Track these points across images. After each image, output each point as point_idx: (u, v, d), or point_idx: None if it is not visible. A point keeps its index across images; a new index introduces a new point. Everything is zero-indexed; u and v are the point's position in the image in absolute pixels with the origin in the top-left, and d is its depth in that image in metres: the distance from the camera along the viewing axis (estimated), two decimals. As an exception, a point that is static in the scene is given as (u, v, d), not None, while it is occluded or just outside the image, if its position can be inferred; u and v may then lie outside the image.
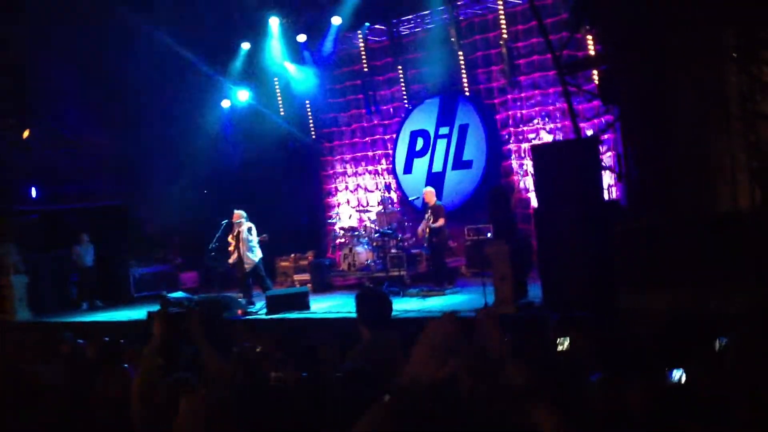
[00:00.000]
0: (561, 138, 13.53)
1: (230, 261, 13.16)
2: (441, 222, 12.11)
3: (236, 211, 13.01)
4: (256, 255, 12.90)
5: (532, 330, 6.65)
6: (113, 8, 14.19)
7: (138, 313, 12.73)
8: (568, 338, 4.35)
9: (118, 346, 6.13)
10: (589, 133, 12.43)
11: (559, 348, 4.33)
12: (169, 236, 17.04)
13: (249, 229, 12.87)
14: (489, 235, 12.30)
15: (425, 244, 12.64)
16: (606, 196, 11.05)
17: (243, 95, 16.71)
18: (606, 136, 11.79)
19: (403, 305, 10.78)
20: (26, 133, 14.95)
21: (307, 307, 11.75)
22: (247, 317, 12.06)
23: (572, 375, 3.56)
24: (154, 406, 4.24)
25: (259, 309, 12.27)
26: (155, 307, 12.95)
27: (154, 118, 16.68)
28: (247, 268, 12.85)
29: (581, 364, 3.76)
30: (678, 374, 2.91)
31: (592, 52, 11.61)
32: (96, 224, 16.24)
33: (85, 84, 15.86)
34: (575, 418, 3.10)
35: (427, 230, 12.20)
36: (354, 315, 4.81)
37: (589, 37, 11.76)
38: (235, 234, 13.19)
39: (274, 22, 15.82)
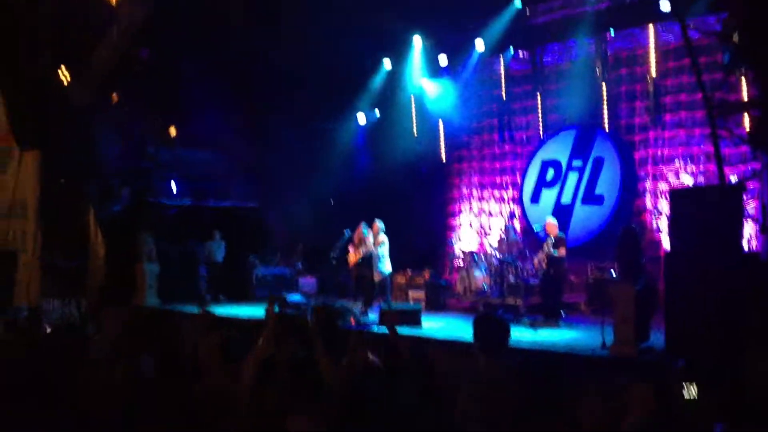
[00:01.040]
0: (702, 182, 12.91)
1: (351, 265, 13.43)
2: (561, 252, 11.79)
3: (376, 221, 13.29)
4: (386, 268, 13.10)
5: (653, 375, 6.36)
6: (259, 18, 14.81)
7: (256, 311, 13.13)
8: (695, 385, 4.14)
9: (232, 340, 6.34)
10: (733, 179, 11.79)
11: (686, 394, 4.13)
12: (293, 241, 17.53)
13: (381, 244, 13.08)
14: (613, 273, 11.87)
15: (541, 275, 12.34)
16: (746, 248, 10.43)
17: (361, 118, 17.05)
18: (752, 186, 11.14)
19: (516, 334, 10.54)
20: (173, 131, 15.84)
21: (419, 323, 11.74)
22: (360, 328, 12.18)
23: (696, 424, 3.39)
24: (264, 402, 4.33)
25: (372, 321, 12.38)
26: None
27: (290, 127, 17.28)
28: (376, 279, 13.06)
29: (706, 414, 3.56)
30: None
31: (745, 97, 11.04)
32: (229, 223, 16.97)
33: (228, 90, 16.68)
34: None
35: (545, 260, 11.92)
36: (466, 339, 4.76)
37: (744, 80, 11.22)
38: (357, 243, 13.44)
39: (417, 41, 16.04)
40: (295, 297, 14.41)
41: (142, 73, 15.77)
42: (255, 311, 13.14)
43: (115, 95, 15.51)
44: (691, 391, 4.18)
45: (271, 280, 16.88)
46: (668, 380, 4.37)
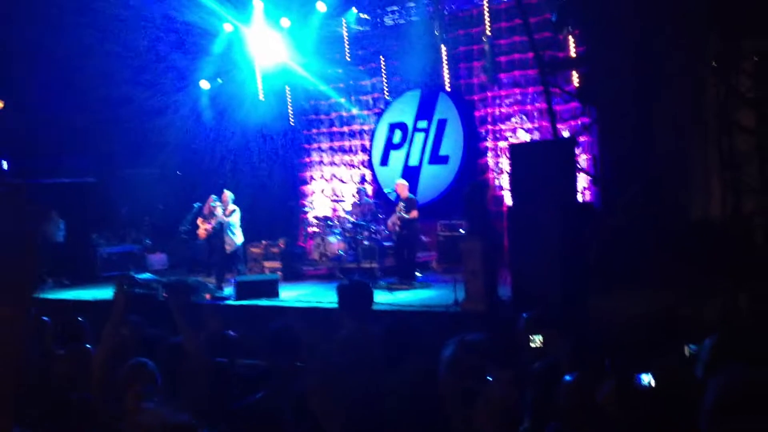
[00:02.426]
0: (538, 138, 13.55)
1: (201, 237, 13.13)
2: (413, 214, 12.07)
3: (226, 191, 13.04)
4: (238, 238, 12.92)
5: (502, 328, 6.66)
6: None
7: (102, 293, 12.55)
8: (540, 336, 4.34)
9: (78, 324, 6.02)
10: (566, 134, 12.46)
11: (532, 345, 4.33)
12: (139, 217, 16.81)
13: (232, 212, 12.85)
14: (462, 231, 12.30)
15: (395, 237, 12.58)
16: (580, 199, 11.09)
17: (204, 84, 16.60)
18: (582, 139, 11.83)
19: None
20: (0, 104, 14.62)
21: (276, 294, 11.67)
22: (215, 302, 11.94)
23: (547, 374, 3.55)
24: (113, 385, 4.17)
25: (228, 295, 12.16)
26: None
27: (130, 95, 16.42)
28: (228, 250, 12.83)
29: (555, 363, 3.75)
30: (647, 378, 2.91)
31: (573, 54, 11.63)
32: (67, 201, 15.93)
33: (62, 57, 15.60)
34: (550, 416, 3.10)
35: (398, 222, 12.15)
36: (323, 305, 4.81)
37: (572, 38, 11.80)
38: (204, 217, 13.14)
39: (258, 5, 15.65)
40: (144, 275, 13.87)
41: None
42: (102, 293, 12.57)
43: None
44: (537, 342, 4.38)
45: (117, 259, 16.11)
46: (516, 332, 4.55)
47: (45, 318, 6.72)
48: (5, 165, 15.67)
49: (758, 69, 8.53)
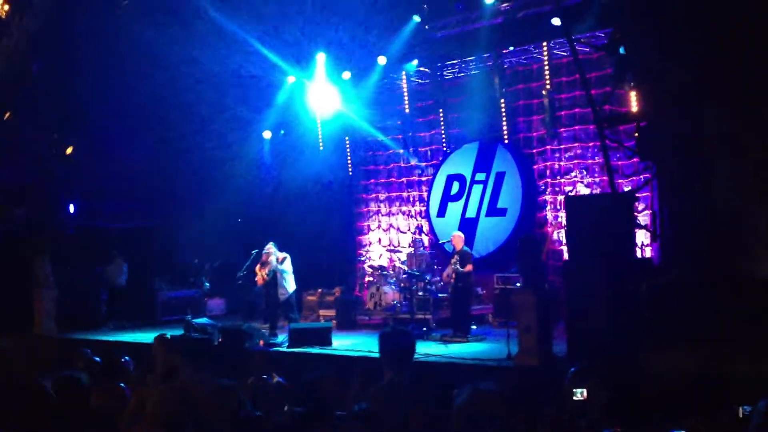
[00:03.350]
0: (598, 192, 13.38)
1: (259, 284, 13.29)
2: (468, 268, 12.00)
3: (269, 244, 13.22)
4: (290, 286, 13.01)
5: (551, 381, 6.50)
6: (162, 27, 14.50)
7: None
8: (585, 389, 4.23)
9: (118, 363, 6.16)
10: (627, 189, 12.27)
11: (575, 398, 4.23)
12: (200, 262, 17.14)
13: (283, 260, 12.97)
14: (518, 284, 12.14)
15: (450, 289, 12.50)
16: (639, 254, 10.85)
17: (267, 135, 17.04)
18: (644, 194, 11.62)
19: (425, 349, 10.65)
20: (69, 150, 15.24)
21: (329, 342, 11.67)
22: (268, 348, 12.00)
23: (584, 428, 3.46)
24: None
25: (282, 341, 12.22)
26: (179, 331, 13.05)
27: (196, 144, 16.94)
28: (281, 299, 12.93)
29: (594, 417, 3.64)
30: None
31: (634, 109, 11.51)
32: (131, 244, 16.41)
33: (134, 105, 16.24)
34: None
35: (453, 275, 12.08)
36: (373, 354, 4.76)
37: (633, 93, 11.70)
38: (262, 264, 13.31)
39: (320, 58, 16.05)
40: (202, 320, 14.07)
41: (36, 88, 15.15)
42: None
43: (8, 112, 14.78)
44: (581, 395, 4.28)
45: (177, 304, 16.39)
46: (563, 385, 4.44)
47: (96, 358, 6.91)
48: (72, 208, 16.24)
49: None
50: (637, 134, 10.36)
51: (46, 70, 15.18)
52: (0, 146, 14.99)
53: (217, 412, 3.96)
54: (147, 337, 13.38)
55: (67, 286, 15.22)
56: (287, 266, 13.09)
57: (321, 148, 17.40)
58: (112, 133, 16.25)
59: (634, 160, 12.30)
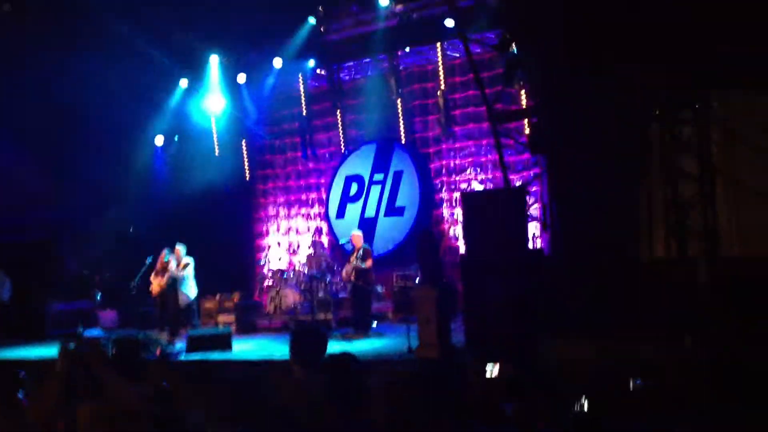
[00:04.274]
0: (491, 188, 13.71)
1: (154, 293, 12.93)
2: (368, 263, 12.02)
3: (178, 246, 12.99)
4: (192, 292, 12.87)
5: (452, 372, 6.61)
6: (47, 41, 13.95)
7: (49, 351, 12.15)
8: (497, 365, 4.33)
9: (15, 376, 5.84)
10: (519, 184, 12.63)
11: (486, 375, 4.32)
12: (90, 273, 16.49)
13: (185, 266, 12.75)
14: (417, 281, 12.27)
15: (350, 288, 12.50)
16: (531, 246, 11.17)
17: (159, 140, 16.74)
18: (534, 189, 11.98)
19: (328, 348, 10.57)
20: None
21: (229, 347, 11.44)
22: (166, 358, 11.64)
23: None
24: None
25: (180, 349, 11.87)
26: (70, 345, 12.46)
27: (83, 153, 16.29)
28: (181, 305, 12.65)
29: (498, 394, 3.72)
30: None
31: (524, 106, 11.88)
32: (16, 259, 15.61)
33: (15, 112, 15.48)
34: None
35: (353, 273, 12.08)
36: (274, 357, 4.69)
37: (523, 91, 12.07)
38: (156, 272, 12.97)
39: (214, 60, 15.77)
40: (93, 332, 13.53)
41: None
42: (48, 351, 12.18)
43: None
44: (494, 371, 4.38)
45: (68, 317, 15.68)
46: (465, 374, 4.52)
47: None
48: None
49: (697, 117, 8.78)
50: (528, 130, 10.69)
51: None
52: None
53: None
54: (35, 352, 12.78)
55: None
56: (189, 272, 12.82)
57: (217, 153, 17.06)
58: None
59: (525, 156, 12.69)
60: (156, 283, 13.09)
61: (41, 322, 15.33)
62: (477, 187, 14.03)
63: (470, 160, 14.32)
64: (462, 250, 13.10)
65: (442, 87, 14.23)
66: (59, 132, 16.00)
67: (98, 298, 15.90)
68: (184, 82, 16.28)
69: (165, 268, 12.98)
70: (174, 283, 12.84)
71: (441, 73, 14.26)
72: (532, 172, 12.46)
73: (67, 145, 16.28)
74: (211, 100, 16.21)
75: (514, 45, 10.38)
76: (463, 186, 14.23)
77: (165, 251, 13.14)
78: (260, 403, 4.56)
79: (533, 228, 11.27)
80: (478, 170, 14.17)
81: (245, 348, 11.68)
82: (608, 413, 4.72)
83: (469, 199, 10.21)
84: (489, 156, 13.93)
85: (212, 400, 5.12)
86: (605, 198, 8.92)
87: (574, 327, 7.90)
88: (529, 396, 3.77)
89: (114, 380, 4.56)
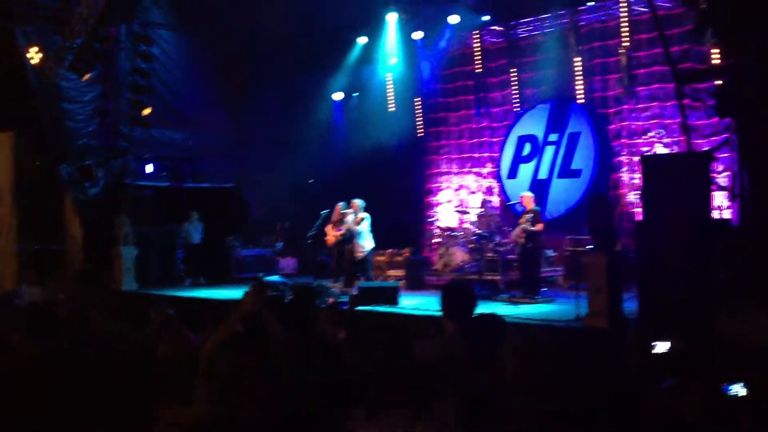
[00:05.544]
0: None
1: (329, 244, 13.43)
2: (539, 227, 11.82)
3: (355, 200, 13.39)
4: (368, 244, 13.28)
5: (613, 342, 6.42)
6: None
7: (236, 293, 13.08)
8: (667, 341, 4.18)
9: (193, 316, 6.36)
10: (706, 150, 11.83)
11: (655, 351, 4.20)
12: (273, 221, 17.46)
13: (361, 221, 13.19)
14: (589, 246, 11.91)
15: (519, 251, 12.36)
16: (718, 216, 10.50)
17: (338, 96, 17.15)
18: (724, 155, 11.18)
19: (493, 310, 10.58)
20: (147, 111, 15.62)
21: (395, 302, 11.73)
22: (337, 306, 12.15)
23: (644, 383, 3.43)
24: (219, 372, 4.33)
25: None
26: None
27: (268, 104, 17.20)
28: (358, 257, 13.14)
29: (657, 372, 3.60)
30: (737, 387, 2.72)
31: (715, 65, 11.03)
32: (207, 204, 16.82)
33: (206, 66, 16.57)
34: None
35: (522, 236, 11.93)
36: (436, 314, 4.78)
37: (715, 50, 11.20)
38: (333, 224, 13.47)
39: (391, 18, 15.95)
40: (273, 278, 14.37)
41: (114, 51, 15.59)
42: (235, 293, 13.10)
43: (87, 74, 15.26)
44: (663, 347, 4.23)
45: (252, 262, 16.78)
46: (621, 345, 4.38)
47: (170, 311, 7.12)
48: (150, 168, 16.71)
49: None
50: (717, 91, 9.94)
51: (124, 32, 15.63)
52: (80, 109, 15.49)
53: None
54: (222, 293, 13.83)
55: (145, 244, 15.74)
56: (364, 226, 13.22)
57: (392, 109, 17.35)
58: (188, 96, 16.66)
59: (715, 119, 11.82)
60: (332, 235, 13.63)
61: (228, 265, 16.52)
62: (661, 150, 13.30)
63: (654, 122, 13.55)
64: (639, 217, 12.55)
65: (626, 44, 13.53)
66: (243, 83, 16.99)
67: (279, 246, 16.82)
68: (362, 39, 16.64)
69: (341, 220, 13.47)
70: (351, 236, 13.30)
71: (625, 29, 13.55)
72: (722, 138, 11.62)
73: (250, 97, 17.26)
74: (386, 56, 16.48)
75: (705, -1, 9.65)
76: (645, 149, 13.52)
77: (341, 204, 13.63)
78: (412, 356, 4.68)
79: (721, 198, 10.57)
80: (663, 133, 13.39)
81: (413, 303, 11.93)
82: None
83: (648, 163, 9.67)
84: (675, 118, 13.09)
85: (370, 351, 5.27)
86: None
87: (756, 302, 7.36)
88: (691, 374, 3.59)
89: (275, 329, 4.84)
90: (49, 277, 14.18)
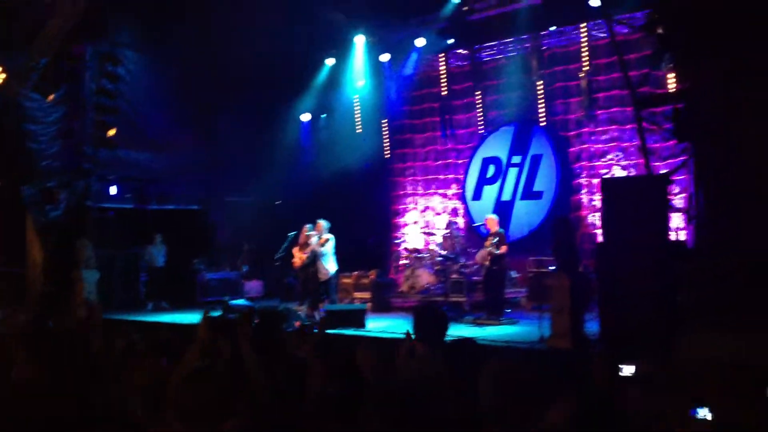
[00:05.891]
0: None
1: (295, 266, 13.42)
2: (503, 249, 11.97)
3: (320, 221, 13.38)
4: (332, 267, 13.25)
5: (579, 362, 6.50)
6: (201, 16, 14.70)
7: (199, 318, 12.95)
8: (634, 365, 4.26)
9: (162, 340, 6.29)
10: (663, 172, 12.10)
11: (621, 374, 4.28)
12: (239, 244, 17.38)
13: (325, 242, 13.17)
14: (551, 267, 12.07)
15: (484, 272, 12.48)
16: (675, 237, 10.71)
17: (305, 117, 17.25)
18: (681, 177, 11.44)
19: (458, 332, 10.64)
20: (112, 131, 15.47)
21: (362, 324, 11.76)
22: (306, 331, 12.11)
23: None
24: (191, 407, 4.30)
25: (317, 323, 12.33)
26: (217, 313, 13.24)
27: (236, 126, 17.19)
28: (321, 279, 13.13)
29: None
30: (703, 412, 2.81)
31: (671, 90, 11.33)
32: (172, 226, 16.66)
33: (170, 90, 16.50)
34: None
35: (488, 258, 12.05)
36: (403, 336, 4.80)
37: (671, 75, 11.51)
38: (300, 246, 13.46)
39: (359, 40, 16.12)
40: (239, 302, 14.30)
41: (79, 71, 15.46)
42: (197, 318, 12.97)
43: (51, 95, 15.09)
44: (628, 371, 4.31)
45: (216, 285, 16.65)
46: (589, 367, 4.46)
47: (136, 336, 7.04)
48: (115, 190, 16.54)
49: None
50: (674, 115, 10.19)
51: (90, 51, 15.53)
52: (43, 129, 15.29)
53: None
54: (185, 317, 13.69)
55: (108, 267, 15.53)
56: (329, 248, 13.21)
57: (359, 131, 17.46)
58: (154, 117, 16.55)
59: (671, 142, 12.08)
60: (298, 257, 13.62)
61: (192, 288, 16.36)
62: (619, 173, 13.57)
63: (613, 145, 13.85)
64: (600, 238, 12.75)
65: (586, 68, 13.82)
66: (210, 105, 16.96)
67: (245, 269, 16.73)
68: (330, 61, 16.77)
69: (307, 242, 13.47)
70: (315, 258, 13.29)
71: (585, 54, 13.85)
72: (679, 160, 11.89)
73: (218, 119, 17.24)
74: (354, 79, 16.63)
75: (661, 26, 9.92)
76: (604, 172, 13.79)
77: (307, 226, 13.64)
78: (385, 379, 4.70)
79: (677, 220, 10.80)
80: (621, 155, 13.69)
81: (378, 325, 11.94)
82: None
83: (608, 186, 9.88)
84: (633, 141, 13.37)
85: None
86: (756, 190, 8.38)
87: (717, 323, 7.52)
88: (654, 395, 3.68)
89: (250, 357, 4.84)
90: (7, 301, 13.90)
